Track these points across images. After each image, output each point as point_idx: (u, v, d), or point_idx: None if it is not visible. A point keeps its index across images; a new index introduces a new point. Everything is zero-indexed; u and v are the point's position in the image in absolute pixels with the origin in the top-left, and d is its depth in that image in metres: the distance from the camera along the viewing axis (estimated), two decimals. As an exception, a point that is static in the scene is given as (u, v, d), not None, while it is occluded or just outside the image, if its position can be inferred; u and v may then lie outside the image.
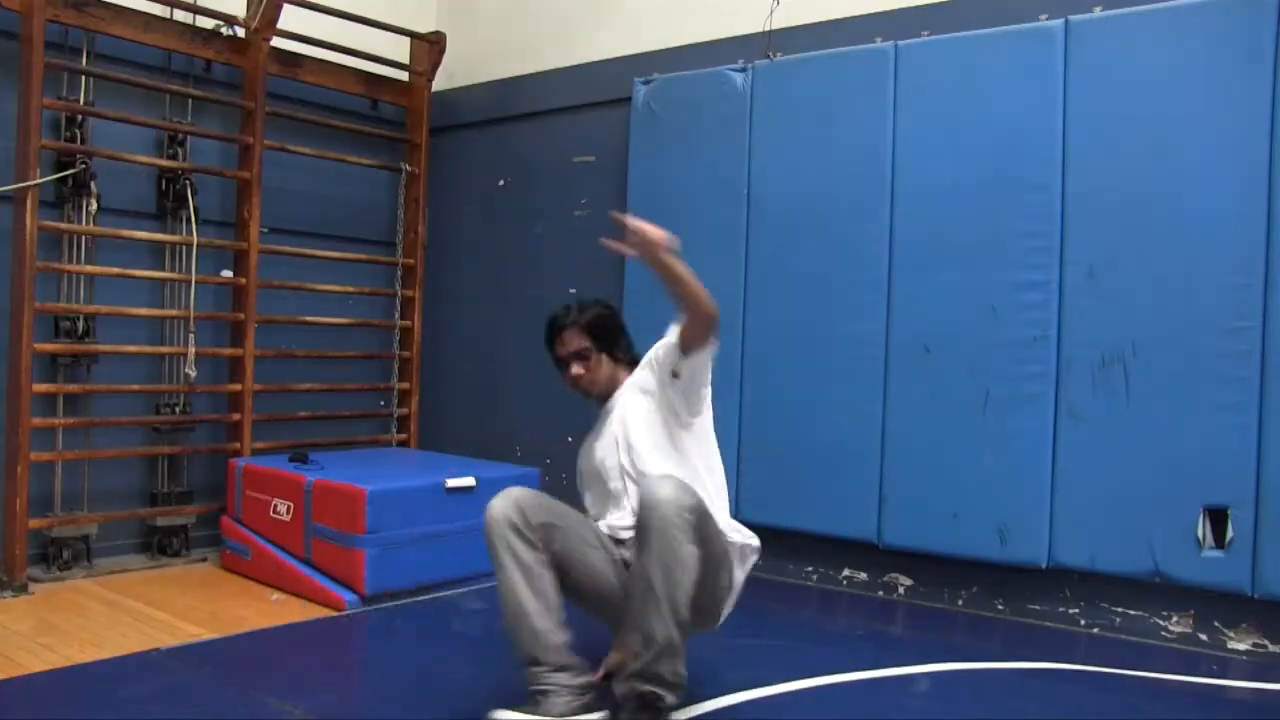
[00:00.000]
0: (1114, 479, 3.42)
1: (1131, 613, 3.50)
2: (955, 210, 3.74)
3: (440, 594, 3.91)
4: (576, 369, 2.68)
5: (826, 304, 4.02)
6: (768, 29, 4.32)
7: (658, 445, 2.56)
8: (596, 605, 2.53)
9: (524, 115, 5.28)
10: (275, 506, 4.08)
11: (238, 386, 4.59)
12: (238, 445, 4.58)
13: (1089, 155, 3.49)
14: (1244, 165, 3.23)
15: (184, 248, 4.46)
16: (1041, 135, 3.56)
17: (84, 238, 4.23)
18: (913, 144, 3.85)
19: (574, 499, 2.72)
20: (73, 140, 4.16)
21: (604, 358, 2.70)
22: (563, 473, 4.32)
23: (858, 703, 2.83)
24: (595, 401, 2.77)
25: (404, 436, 5.34)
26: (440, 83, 5.47)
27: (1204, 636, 3.37)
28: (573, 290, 4.97)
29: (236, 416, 4.60)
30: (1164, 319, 3.35)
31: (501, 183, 5.38)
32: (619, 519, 2.58)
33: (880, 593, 4.02)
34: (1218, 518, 3.26)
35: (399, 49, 5.31)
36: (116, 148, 4.24)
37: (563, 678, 2.31)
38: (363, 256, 5.21)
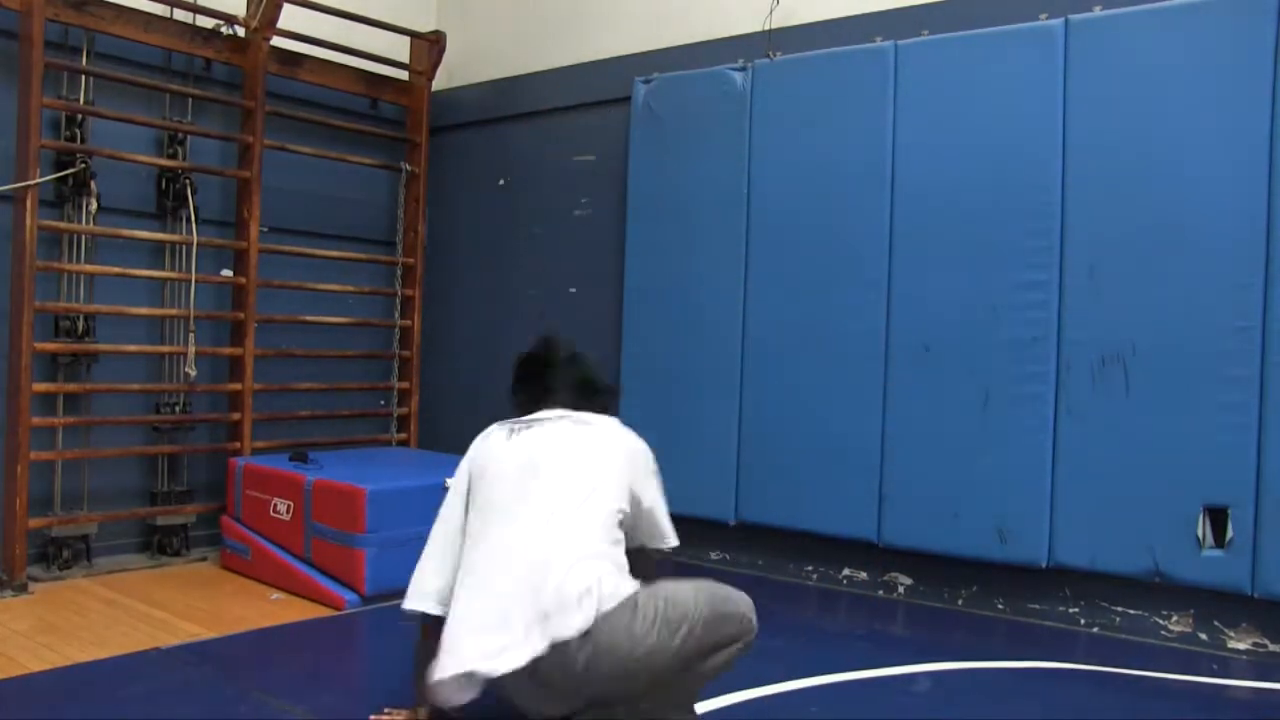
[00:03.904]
0: (1114, 479, 3.42)
1: (1131, 612, 3.50)
2: (955, 210, 3.74)
3: (440, 594, 3.91)
4: None
5: (826, 303, 4.02)
6: (768, 29, 4.32)
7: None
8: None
9: (524, 115, 5.28)
10: (275, 506, 4.08)
11: (238, 386, 4.59)
12: (238, 444, 4.58)
13: (1089, 155, 3.49)
14: (1244, 165, 3.23)
15: (184, 247, 4.47)
16: (1041, 135, 3.56)
17: (84, 237, 4.22)
18: (912, 144, 3.85)
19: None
20: (73, 140, 4.16)
21: None
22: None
23: (858, 703, 2.83)
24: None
25: (404, 436, 5.34)
26: (440, 82, 5.47)
27: (1204, 636, 3.37)
28: (573, 290, 4.98)
29: (236, 416, 4.60)
30: (1164, 319, 3.35)
31: (501, 182, 5.38)
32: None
33: (880, 592, 4.02)
34: (1218, 517, 3.26)
35: (399, 48, 5.30)
36: (116, 147, 4.24)
37: None
38: (363, 256, 5.21)
